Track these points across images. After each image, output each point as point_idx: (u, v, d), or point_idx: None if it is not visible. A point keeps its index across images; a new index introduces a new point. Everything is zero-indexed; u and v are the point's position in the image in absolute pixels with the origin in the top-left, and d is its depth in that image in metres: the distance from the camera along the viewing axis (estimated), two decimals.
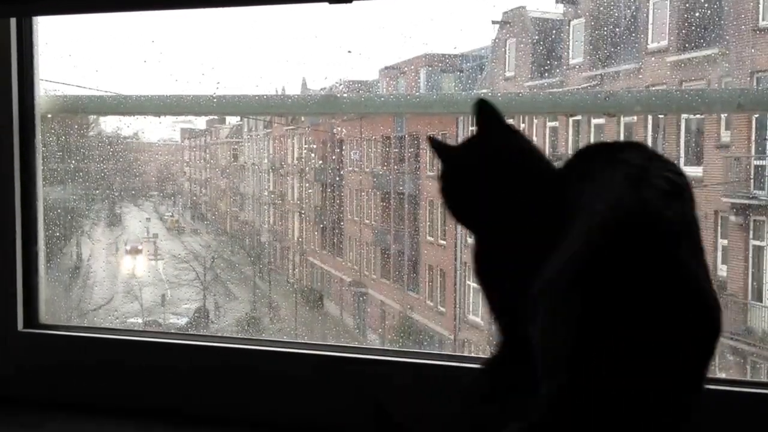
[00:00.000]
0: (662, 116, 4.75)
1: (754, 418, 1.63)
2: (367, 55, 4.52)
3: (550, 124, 5.32)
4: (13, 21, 2.11)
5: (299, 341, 2.12)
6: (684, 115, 4.62)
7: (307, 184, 6.44)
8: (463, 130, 5.48)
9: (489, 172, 1.37)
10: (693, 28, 4.52)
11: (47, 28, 2.21)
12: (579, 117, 5.08)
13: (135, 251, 6.92)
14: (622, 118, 4.96)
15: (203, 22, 3.58)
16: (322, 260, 6.39)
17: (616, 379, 1.06)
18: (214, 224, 7.77)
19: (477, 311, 4.99)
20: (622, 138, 5.14)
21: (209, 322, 6.27)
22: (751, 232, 4.57)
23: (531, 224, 1.30)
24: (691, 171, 4.85)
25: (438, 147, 1.43)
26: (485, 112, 1.41)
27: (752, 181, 4.54)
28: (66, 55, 3.01)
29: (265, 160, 7.05)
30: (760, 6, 4.17)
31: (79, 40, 3.04)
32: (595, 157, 1.32)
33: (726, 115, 4.35)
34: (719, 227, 4.74)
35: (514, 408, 1.21)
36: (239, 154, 7.44)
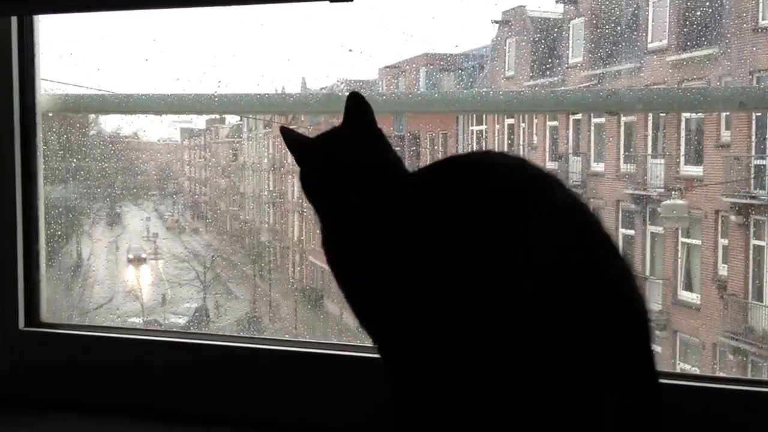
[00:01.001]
0: (663, 115, 4.75)
1: (755, 417, 1.63)
2: (368, 53, 4.51)
3: (550, 123, 5.32)
4: (14, 19, 2.11)
5: (300, 339, 2.11)
6: (684, 115, 4.62)
7: None
8: (464, 128, 5.48)
9: (338, 164, 1.36)
10: (693, 27, 4.52)
11: (48, 27, 2.21)
12: (579, 116, 5.08)
13: (138, 260, 6.86)
14: (622, 117, 4.96)
15: (204, 20, 3.57)
16: (322, 260, 6.38)
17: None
18: (214, 223, 7.76)
19: None
20: (622, 137, 5.14)
21: (209, 321, 6.26)
22: (751, 232, 4.57)
23: (375, 220, 1.28)
24: (692, 170, 4.86)
25: (288, 137, 1.42)
26: (353, 106, 1.40)
27: (752, 180, 4.54)
28: (67, 54, 3.01)
29: (265, 160, 7.04)
30: (761, 5, 4.18)
31: (80, 39, 3.03)
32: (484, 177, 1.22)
33: (726, 114, 4.36)
34: (719, 226, 4.75)
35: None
36: (239, 154, 7.43)
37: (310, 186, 1.40)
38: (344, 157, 1.36)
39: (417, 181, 1.30)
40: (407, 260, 1.20)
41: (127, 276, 6.72)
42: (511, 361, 1.11)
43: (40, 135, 2.16)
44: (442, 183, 1.22)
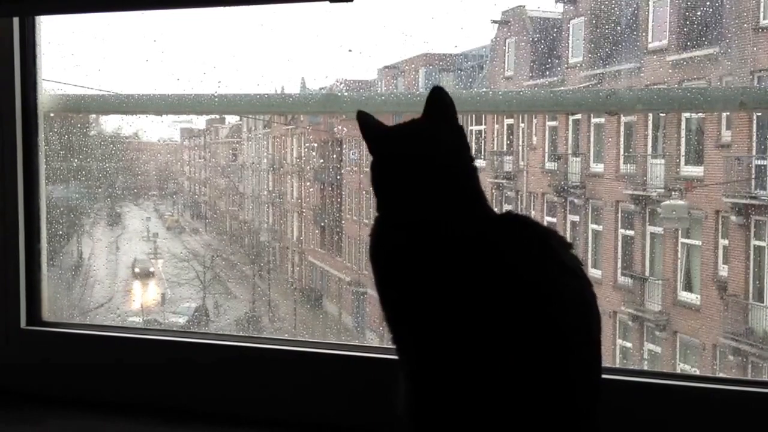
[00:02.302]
0: (663, 115, 4.75)
1: (755, 417, 1.63)
2: (368, 54, 4.51)
3: (549, 123, 5.31)
4: (15, 20, 2.11)
5: (299, 339, 2.11)
6: (685, 115, 4.62)
7: (306, 183, 6.44)
8: (464, 127, 5.47)
9: (410, 158, 1.33)
10: (694, 26, 4.52)
11: (50, 28, 2.21)
12: (579, 116, 5.08)
13: (146, 274, 6.56)
14: (622, 118, 4.96)
15: (205, 21, 3.57)
16: (321, 259, 6.38)
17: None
18: (213, 223, 7.77)
19: None
20: (622, 137, 5.14)
21: (209, 320, 6.26)
22: (752, 232, 4.57)
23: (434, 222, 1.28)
24: (692, 170, 4.86)
25: (365, 124, 1.38)
26: (436, 100, 1.37)
27: (753, 180, 4.54)
28: (68, 54, 3.01)
29: (265, 160, 7.05)
30: (761, 5, 4.18)
31: (81, 40, 3.03)
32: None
33: (727, 114, 4.35)
34: (720, 227, 4.75)
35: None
36: (239, 154, 7.44)
37: (378, 175, 1.37)
38: (418, 151, 1.33)
39: (481, 220, 1.29)
40: (439, 281, 1.22)
41: (133, 293, 6.53)
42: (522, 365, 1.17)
43: (41, 135, 2.16)
44: (502, 242, 1.24)
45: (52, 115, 2.36)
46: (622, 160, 5.14)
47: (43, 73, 2.19)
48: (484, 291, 1.19)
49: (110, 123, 4.78)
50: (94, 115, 4.35)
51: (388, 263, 1.32)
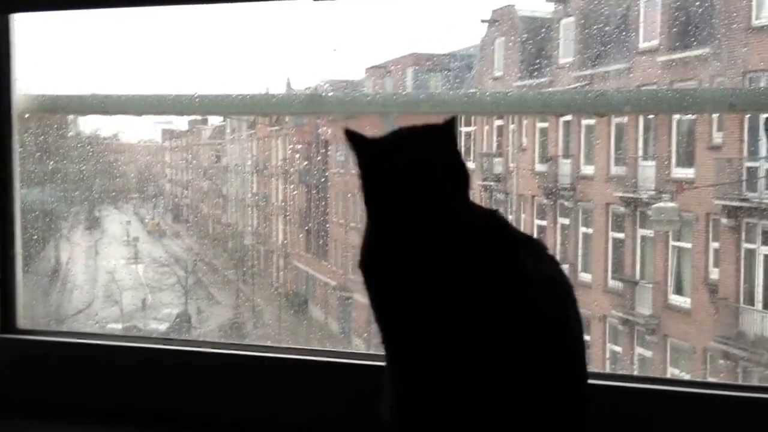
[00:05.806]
0: (653, 117, 4.76)
1: (745, 422, 1.60)
2: (354, 53, 4.48)
3: (539, 124, 5.32)
4: None
5: (283, 346, 2.07)
6: (675, 116, 4.62)
7: (291, 186, 6.40)
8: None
9: (398, 165, 1.30)
10: (685, 27, 4.54)
11: (25, 26, 2.15)
12: (569, 117, 5.08)
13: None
14: (613, 120, 4.96)
15: (186, 19, 3.52)
16: (306, 264, 6.36)
17: None
18: (196, 227, 7.72)
19: None
20: (613, 139, 5.14)
21: (191, 327, 6.20)
22: (743, 235, 4.58)
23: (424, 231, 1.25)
24: (683, 173, 4.87)
25: (352, 138, 1.34)
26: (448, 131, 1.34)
27: (744, 183, 4.55)
28: (44, 54, 2.96)
29: (249, 162, 7.01)
30: (753, 4, 4.18)
31: (58, 38, 2.98)
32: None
33: (718, 116, 4.35)
34: (710, 230, 4.76)
35: None
36: (222, 156, 7.41)
37: (370, 184, 1.33)
38: (405, 158, 1.29)
39: (469, 228, 1.26)
40: (430, 290, 1.20)
41: None
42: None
43: (16, 137, 2.10)
44: (490, 251, 1.21)
45: (27, 116, 2.30)
46: (612, 162, 5.16)
47: (18, 72, 2.13)
48: (477, 303, 1.16)
49: (89, 124, 4.72)
50: (71, 116, 4.29)
51: (382, 272, 1.28)
